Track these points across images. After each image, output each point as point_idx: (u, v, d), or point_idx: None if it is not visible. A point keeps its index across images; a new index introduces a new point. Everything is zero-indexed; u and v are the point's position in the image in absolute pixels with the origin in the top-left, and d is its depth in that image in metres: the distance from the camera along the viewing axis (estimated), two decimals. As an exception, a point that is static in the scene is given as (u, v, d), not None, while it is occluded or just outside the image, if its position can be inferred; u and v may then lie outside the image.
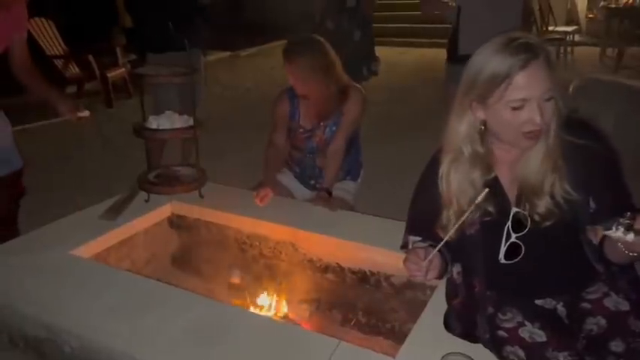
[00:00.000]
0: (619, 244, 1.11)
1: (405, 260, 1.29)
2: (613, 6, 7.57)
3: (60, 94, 2.36)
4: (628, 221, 1.03)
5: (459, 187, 1.28)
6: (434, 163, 1.35)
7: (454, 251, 1.33)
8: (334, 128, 2.31)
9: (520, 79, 1.15)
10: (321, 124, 2.31)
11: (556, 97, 1.19)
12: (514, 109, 1.17)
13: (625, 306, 1.19)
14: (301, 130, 2.34)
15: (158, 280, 1.74)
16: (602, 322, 1.18)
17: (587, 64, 7.22)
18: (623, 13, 7.10)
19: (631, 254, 1.13)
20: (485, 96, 1.20)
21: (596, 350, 1.14)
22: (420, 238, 1.40)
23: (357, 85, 2.35)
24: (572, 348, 1.15)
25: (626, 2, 7.32)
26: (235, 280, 2.09)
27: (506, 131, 1.22)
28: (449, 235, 1.23)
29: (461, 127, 1.26)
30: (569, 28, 7.91)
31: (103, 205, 2.10)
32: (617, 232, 1.04)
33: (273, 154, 2.37)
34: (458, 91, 1.26)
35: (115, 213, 2.05)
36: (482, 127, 1.25)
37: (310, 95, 2.24)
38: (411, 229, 1.45)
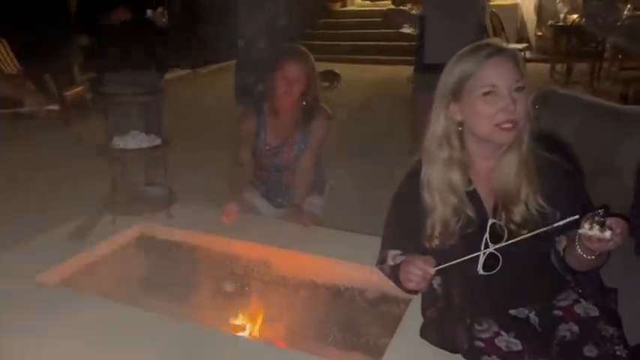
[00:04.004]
0: (577, 247, 1.15)
1: (410, 267, 1.25)
2: (561, 24, 7.92)
3: (27, 90, 2.31)
4: (603, 219, 1.06)
5: (440, 190, 1.30)
6: (413, 174, 1.37)
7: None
8: (302, 146, 2.32)
9: (487, 67, 1.22)
10: (289, 140, 2.31)
11: (527, 92, 1.24)
12: (485, 94, 1.22)
13: (594, 312, 1.24)
14: (267, 147, 2.33)
15: (128, 304, 1.69)
16: (575, 328, 1.22)
17: (538, 79, 7.50)
18: (571, 31, 7.44)
19: (589, 257, 1.16)
20: (458, 91, 1.26)
21: (571, 356, 1.18)
22: (399, 252, 1.41)
23: (323, 105, 2.38)
24: (547, 355, 1.19)
25: (573, 21, 7.67)
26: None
27: (480, 124, 1.25)
28: (466, 258, 1.25)
29: (438, 130, 1.30)
30: (520, 46, 8.18)
31: (66, 229, 2.03)
32: (592, 230, 1.07)
33: (238, 172, 2.35)
34: (435, 97, 1.30)
35: (79, 236, 1.98)
36: (460, 129, 1.29)
37: (289, 104, 2.25)
38: (390, 244, 1.45)
